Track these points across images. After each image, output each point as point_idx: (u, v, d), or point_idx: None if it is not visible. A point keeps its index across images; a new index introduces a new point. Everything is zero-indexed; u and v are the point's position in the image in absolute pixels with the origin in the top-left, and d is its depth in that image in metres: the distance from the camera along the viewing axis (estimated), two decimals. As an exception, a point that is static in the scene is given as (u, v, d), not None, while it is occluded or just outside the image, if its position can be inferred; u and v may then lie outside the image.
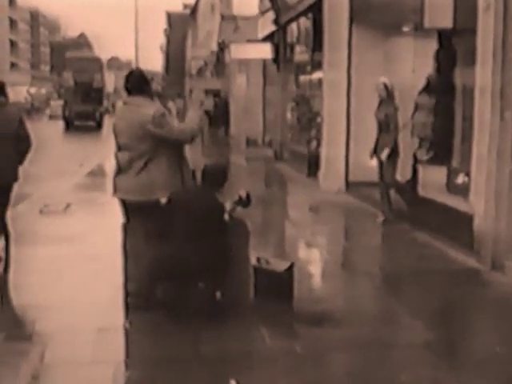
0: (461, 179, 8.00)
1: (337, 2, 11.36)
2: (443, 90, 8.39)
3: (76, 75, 39.55)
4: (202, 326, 4.75)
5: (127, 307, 5.12)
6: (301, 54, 15.67)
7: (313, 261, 7.24)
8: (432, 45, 8.75)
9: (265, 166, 16.76)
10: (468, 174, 7.36)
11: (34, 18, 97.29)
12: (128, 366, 4.23)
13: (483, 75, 6.51)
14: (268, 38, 18.38)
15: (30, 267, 6.50)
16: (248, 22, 21.70)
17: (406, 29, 9.92)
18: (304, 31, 14.90)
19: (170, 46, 74.63)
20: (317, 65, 13.17)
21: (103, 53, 64.94)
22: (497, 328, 5.08)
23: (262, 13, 19.05)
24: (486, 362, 4.32)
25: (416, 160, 8.83)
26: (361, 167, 9.75)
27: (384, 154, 8.38)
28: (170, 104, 6.22)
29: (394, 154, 8.42)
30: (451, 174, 8.43)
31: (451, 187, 8.33)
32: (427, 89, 8.56)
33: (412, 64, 9.71)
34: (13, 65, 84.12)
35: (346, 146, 11.33)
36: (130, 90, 5.24)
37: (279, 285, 5.26)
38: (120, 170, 5.20)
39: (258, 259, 5.37)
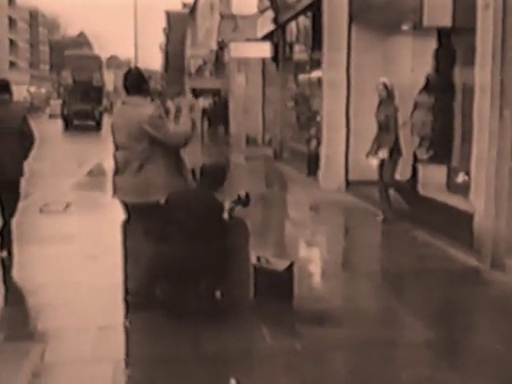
0: (461, 178, 8.01)
1: (336, 1, 11.36)
2: (442, 89, 8.39)
3: (75, 73, 39.08)
4: (202, 326, 4.75)
5: (127, 306, 5.12)
6: (300, 52, 15.67)
7: (313, 260, 7.24)
8: (431, 44, 8.76)
9: (264, 165, 16.76)
10: (468, 173, 7.37)
11: (34, 17, 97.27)
12: (128, 365, 4.23)
13: (482, 74, 6.51)
14: (267, 36, 18.38)
15: (30, 266, 6.51)
16: (247, 21, 21.72)
17: (405, 28, 9.92)
18: (303, 30, 14.91)
19: (170, 44, 74.64)
20: (316, 64, 13.16)
21: (103, 52, 64.81)
22: (497, 327, 5.08)
23: (261, 12, 19.05)
24: (486, 361, 4.33)
25: (416, 159, 8.84)
26: (361, 166, 9.75)
27: (383, 154, 8.37)
28: (169, 103, 6.22)
29: (395, 153, 8.42)
30: (451, 173, 8.44)
31: (451, 186, 8.34)
32: (427, 88, 8.56)
33: (411, 63, 9.72)
34: (12, 64, 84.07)
35: (346, 145, 11.33)
36: (128, 89, 5.25)
37: (279, 284, 5.26)
38: (118, 170, 5.21)
39: (258, 258, 5.37)
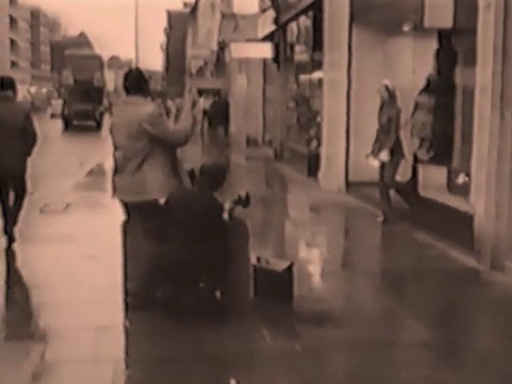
0: (461, 179, 8.00)
1: (337, 1, 11.35)
2: (443, 90, 8.39)
3: (76, 73, 38.90)
4: (202, 326, 4.74)
5: (127, 306, 5.12)
6: (301, 53, 15.66)
7: (313, 260, 7.24)
8: (432, 44, 8.75)
9: (265, 165, 16.76)
10: (468, 174, 7.36)
11: (35, 16, 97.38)
12: (128, 365, 4.23)
13: (483, 75, 6.51)
14: (268, 37, 18.38)
15: (30, 266, 6.51)
16: (248, 21, 21.71)
17: (406, 28, 9.91)
18: (304, 30, 14.90)
19: (170, 44, 74.72)
20: (317, 64, 13.16)
21: (103, 52, 64.72)
22: (496, 328, 5.08)
23: (263, 11, 19.05)
24: (486, 362, 4.32)
25: (416, 160, 8.83)
26: (361, 167, 9.75)
27: (384, 156, 8.36)
28: (170, 103, 6.23)
29: (397, 154, 8.41)
30: (451, 174, 8.44)
31: (451, 187, 8.34)
32: (427, 88, 8.56)
33: (412, 64, 9.71)
34: (13, 64, 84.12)
35: (346, 146, 11.32)
36: (128, 89, 5.25)
37: (279, 284, 5.25)
38: (117, 170, 5.21)
39: (258, 259, 5.37)
